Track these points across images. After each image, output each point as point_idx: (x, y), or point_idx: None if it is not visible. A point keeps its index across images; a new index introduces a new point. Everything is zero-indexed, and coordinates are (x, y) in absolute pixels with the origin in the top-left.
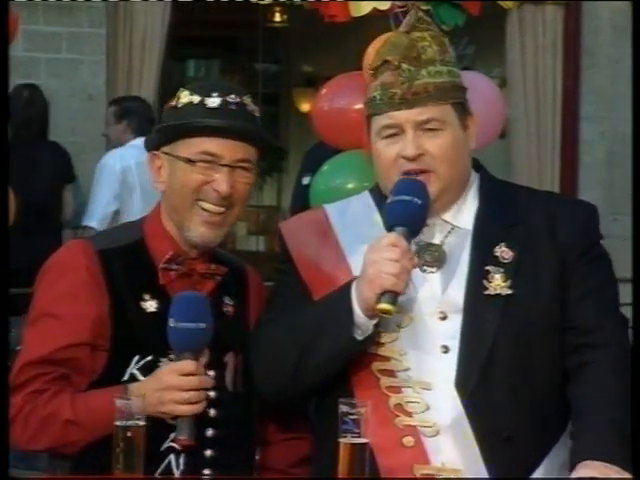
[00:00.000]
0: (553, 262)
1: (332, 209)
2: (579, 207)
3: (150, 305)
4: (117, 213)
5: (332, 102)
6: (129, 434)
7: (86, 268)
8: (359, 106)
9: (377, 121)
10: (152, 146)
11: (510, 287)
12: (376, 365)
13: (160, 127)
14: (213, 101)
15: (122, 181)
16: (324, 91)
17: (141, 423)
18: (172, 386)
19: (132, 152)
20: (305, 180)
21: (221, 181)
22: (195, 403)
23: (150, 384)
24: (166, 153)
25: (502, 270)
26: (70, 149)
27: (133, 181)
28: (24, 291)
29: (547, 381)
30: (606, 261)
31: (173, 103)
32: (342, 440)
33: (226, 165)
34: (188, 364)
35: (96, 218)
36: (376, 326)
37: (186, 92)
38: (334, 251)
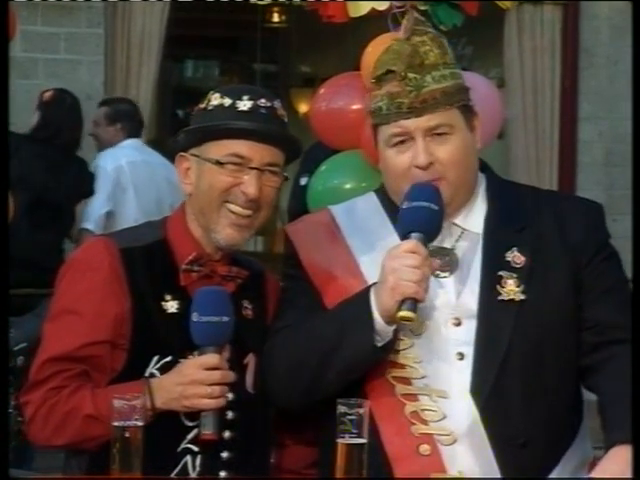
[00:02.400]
0: (565, 264)
1: (338, 210)
2: (586, 206)
3: (171, 306)
4: (110, 214)
5: (330, 102)
6: (127, 434)
7: (109, 266)
8: (357, 106)
9: (385, 130)
10: (180, 148)
11: (523, 292)
12: (390, 372)
13: (190, 129)
14: (244, 104)
15: (115, 181)
16: (322, 91)
17: (139, 423)
18: (196, 380)
19: (124, 152)
20: (303, 180)
21: (249, 184)
22: (218, 397)
23: (172, 378)
24: (195, 155)
25: (515, 275)
26: None
27: (126, 181)
28: (24, 292)
29: (560, 385)
30: (617, 259)
31: (203, 105)
32: (340, 440)
33: (255, 168)
34: (212, 358)
35: (92, 220)
36: (394, 333)
37: (217, 95)
38: (344, 254)
